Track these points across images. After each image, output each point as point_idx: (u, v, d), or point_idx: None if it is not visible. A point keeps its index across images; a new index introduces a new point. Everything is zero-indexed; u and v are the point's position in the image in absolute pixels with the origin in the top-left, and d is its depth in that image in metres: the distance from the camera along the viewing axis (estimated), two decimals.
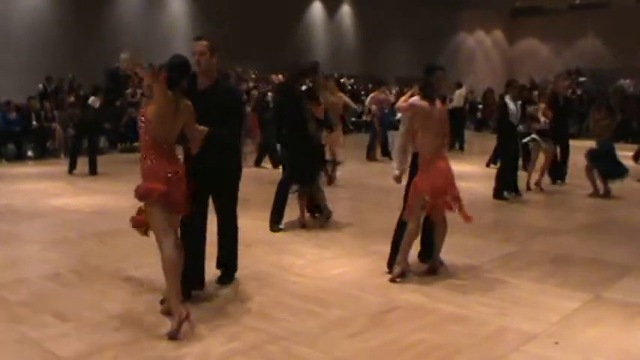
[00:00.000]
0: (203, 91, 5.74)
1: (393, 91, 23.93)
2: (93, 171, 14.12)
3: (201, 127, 5.33)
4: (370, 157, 17.00)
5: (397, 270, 6.47)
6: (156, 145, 5.04)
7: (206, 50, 5.68)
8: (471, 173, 14.49)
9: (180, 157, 5.41)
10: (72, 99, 18.62)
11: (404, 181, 6.74)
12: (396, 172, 6.85)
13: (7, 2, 21.47)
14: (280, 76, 14.19)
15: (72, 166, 14.27)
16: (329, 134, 11.27)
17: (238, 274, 6.34)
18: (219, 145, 5.62)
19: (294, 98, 8.75)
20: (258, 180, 12.58)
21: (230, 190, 6.08)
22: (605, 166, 11.77)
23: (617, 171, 11.73)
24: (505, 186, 11.42)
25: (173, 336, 4.84)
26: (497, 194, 11.32)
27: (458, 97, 21.12)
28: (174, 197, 5.01)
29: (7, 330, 5.13)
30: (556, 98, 13.06)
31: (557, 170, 13.14)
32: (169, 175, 4.98)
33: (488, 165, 15.31)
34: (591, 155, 11.82)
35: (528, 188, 12.28)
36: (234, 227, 6.25)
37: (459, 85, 22.02)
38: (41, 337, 4.97)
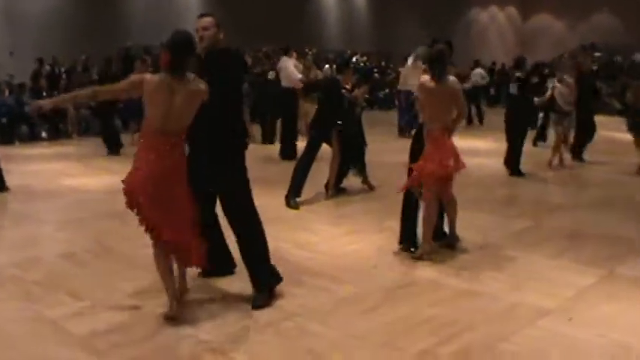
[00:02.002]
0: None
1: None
2: (115, 150, 14.21)
3: None
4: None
5: (425, 248, 6.42)
6: (149, 130, 4.82)
7: (210, 25, 5.29)
8: (486, 149, 14.41)
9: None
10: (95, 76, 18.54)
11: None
12: None
13: None
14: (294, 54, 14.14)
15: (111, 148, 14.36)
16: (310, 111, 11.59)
17: None
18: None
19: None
20: (268, 158, 12.66)
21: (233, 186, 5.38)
22: None
23: None
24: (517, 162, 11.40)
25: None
26: (514, 170, 11.27)
27: (475, 75, 21.23)
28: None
29: (22, 308, 5.17)
30: (582, 76, 12.86)
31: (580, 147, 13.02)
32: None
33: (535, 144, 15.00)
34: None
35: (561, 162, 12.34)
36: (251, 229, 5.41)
37: (477, 64, 22.13)
38: (56, 315, 5.01)
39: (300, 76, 13.43)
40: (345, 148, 9.23)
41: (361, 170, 9.71)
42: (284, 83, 13.82)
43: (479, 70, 22.14)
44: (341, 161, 9.30)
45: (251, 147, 5.60)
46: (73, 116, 17.86)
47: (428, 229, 6.43)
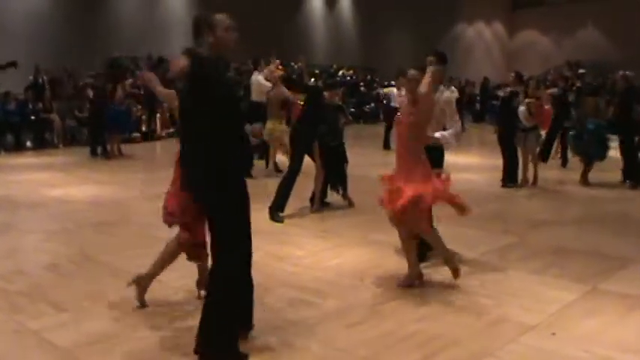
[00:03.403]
0: None
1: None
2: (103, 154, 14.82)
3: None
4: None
5: (411, 274, 6.14)
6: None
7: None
8: (471, 165, 14.48)
9: None
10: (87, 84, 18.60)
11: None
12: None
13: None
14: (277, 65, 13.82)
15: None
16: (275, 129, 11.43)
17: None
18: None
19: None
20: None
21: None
22: None
23: None
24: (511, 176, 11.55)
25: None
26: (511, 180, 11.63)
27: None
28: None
29: (5, 320, 5.14)
30: (628, 90, 12.53)
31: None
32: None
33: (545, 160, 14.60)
34: None
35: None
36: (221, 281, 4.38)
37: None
38: (40, 327, 4.98)
39: (269, 85, 12.68)
40: (329, 162, 9.25)
41: (342, 185, 9.69)
42: (254, 97, 13.45)
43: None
44: (325, 175, 9.31)
45: None
46: (59, 126, 17.82)
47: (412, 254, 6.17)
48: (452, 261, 6.13)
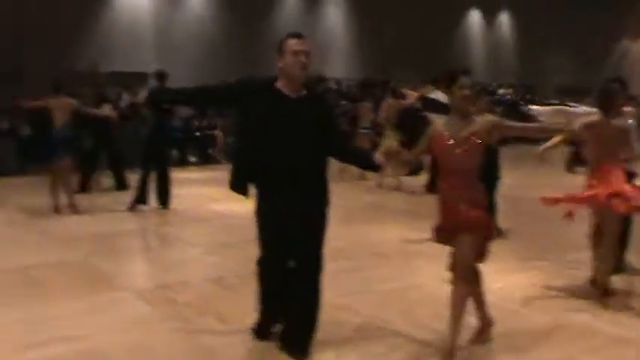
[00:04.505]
0: (296, 99, 4.69)
1: None
2: None
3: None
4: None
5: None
6: None
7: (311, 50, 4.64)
8: None
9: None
10: None
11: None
12: None
13: (171, 15, 22.51)
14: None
15: None
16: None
17: (398, 283, 6.27)
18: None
19: None
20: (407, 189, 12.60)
21: None
22: None
23: None
24: None
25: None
26: None
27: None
28: None
29: (174, 329, 5.34)
30: None
31: None
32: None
33: None
34: None
35: None
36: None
37: None
38: (206, 338, 5.16)
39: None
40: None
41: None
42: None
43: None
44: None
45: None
46: (222, 142, 18.47)
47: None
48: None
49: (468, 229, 4.69)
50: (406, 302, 6.06)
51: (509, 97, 27.66)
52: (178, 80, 16.26)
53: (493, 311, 5.78)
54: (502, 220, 9.46)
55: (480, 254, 4.93)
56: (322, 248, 4.74)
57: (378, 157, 4.74)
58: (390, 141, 12.38)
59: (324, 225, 4.75)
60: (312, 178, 4.71)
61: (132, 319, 5.62)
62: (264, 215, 4.76)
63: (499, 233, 8.93)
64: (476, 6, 31.21)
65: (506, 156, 9.71)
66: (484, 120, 4.71)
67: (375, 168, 4.99)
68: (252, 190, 4.80)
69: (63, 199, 10.49)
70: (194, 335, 5.22)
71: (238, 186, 4.86)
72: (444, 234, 4.90)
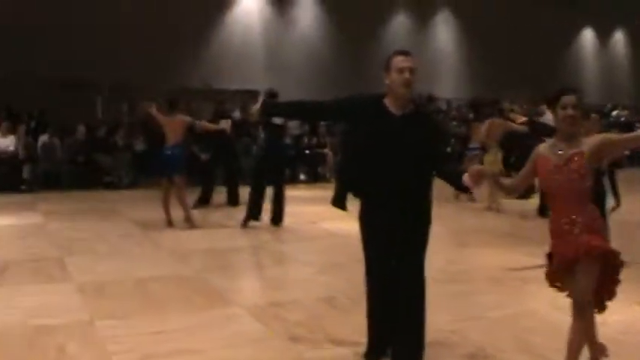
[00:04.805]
0: (402, 116, 4.73)
1: None
2: None
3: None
4: None
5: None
6: None
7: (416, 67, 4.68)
8: None
9: None
10: None
11: None
12: None
13: (281, 36, 22.91)
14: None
15: None
16: None
17: (511, 309, 6.14)
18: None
19: None
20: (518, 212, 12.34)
21: None
22: None
23: None
24: None
25: None
26: None
27: None
28: None
29: (285, 348, 5.39)
30: None
31: None
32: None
33: None
34: None
35: None
36: None
37: None
38: (316, 358, 5.17)
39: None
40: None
41: None
42: None
43: None
44: None
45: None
46: (331, 160, 18.61)
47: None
48: None
49: (589, 259, 4.40)
50: (518, 329, 5.93)
51: (623, 118, 26.77)
52: (288, 99, 16.49)
53: (613, 345, 5.58)
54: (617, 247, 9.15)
55: (610, 291, 4.63)
56: (422, 267, 4.75)
57: (466, 179, 4.61)
58: (491, 159, 12.39)
59: (424, 243, 4.76)
60: (414, 196, 4.72)
61: (244, 335, 5.71)
62: (366, 231, 4.84)
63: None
64: (589, 25, 30.40)
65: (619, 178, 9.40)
66: (591, 140, 4.41)
67: (463, 189, 4.89)
68: (353, 205, 4.83)
69: (175, 212, 10.81)
70: (304, 354, 5.26)
71: (338, 200, 4.95)
72: (562, 266, 4.56)
